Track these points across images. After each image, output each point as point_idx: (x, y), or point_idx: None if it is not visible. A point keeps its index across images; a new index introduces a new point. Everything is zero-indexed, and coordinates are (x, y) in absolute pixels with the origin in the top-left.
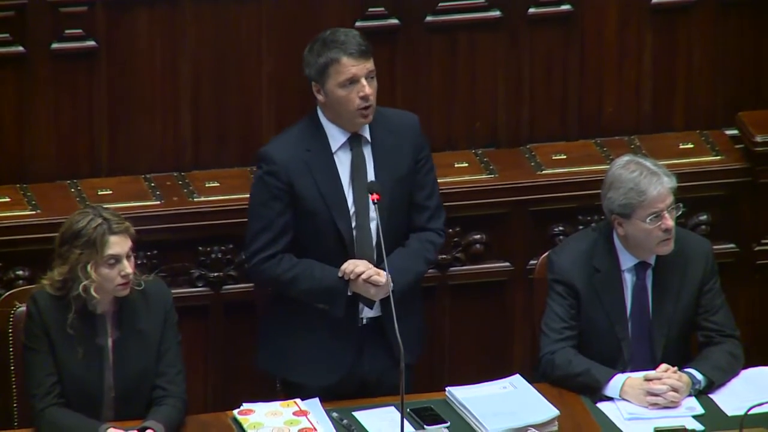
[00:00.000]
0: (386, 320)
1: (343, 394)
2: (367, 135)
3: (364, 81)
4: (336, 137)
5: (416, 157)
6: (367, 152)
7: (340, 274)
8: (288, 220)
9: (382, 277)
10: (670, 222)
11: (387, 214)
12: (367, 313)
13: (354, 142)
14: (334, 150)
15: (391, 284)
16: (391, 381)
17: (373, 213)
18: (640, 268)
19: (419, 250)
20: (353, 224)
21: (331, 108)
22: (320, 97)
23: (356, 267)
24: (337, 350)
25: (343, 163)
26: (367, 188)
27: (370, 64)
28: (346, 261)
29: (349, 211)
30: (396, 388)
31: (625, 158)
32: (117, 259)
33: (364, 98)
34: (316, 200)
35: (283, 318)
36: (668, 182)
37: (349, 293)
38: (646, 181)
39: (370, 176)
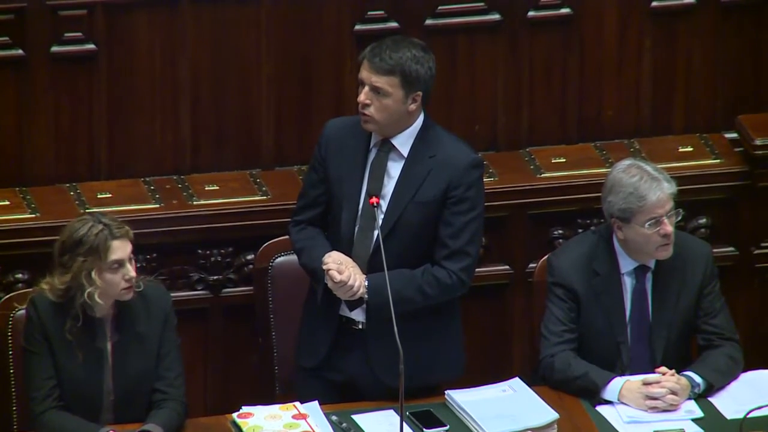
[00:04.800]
0: (369, 332)
1: (332, 380)
2: (402, 147)
3: (366, 88)
4: (375, 135)
5: (447, 191)
6: (397, 164)
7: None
8: (319, 194)
9: (341, 275)
10: (669, 227)
11: (402, 231)
12: (356, 316)
13: (383, 146)
14: (371, 146)
15: (365, 294)
16: (364, 391)
17: (380, 221)
18: (639, 271)
19: (418, 278)
20: (357, 224)
21: None
22: None
23: (328, 257)
24: (316, 336)
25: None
26: (367, 190)
27: (377, 78)
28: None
29: (358, 208)
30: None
31: (627, 162)
32: (120, 263)
33: (360, 104)
34: (335, 184)
35: (309, 295)
36: (668, 188)
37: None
38: (646, 186)
39: (389, 187)
